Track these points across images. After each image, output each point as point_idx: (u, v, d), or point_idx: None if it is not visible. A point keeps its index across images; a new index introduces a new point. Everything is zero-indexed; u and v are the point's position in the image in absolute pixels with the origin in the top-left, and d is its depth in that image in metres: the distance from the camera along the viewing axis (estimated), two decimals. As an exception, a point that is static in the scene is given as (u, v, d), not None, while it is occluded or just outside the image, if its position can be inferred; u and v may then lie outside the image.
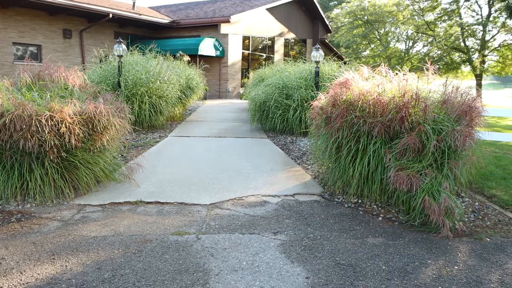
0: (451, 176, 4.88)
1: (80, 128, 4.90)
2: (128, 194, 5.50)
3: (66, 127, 4.71)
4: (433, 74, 5.65)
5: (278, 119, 8.96)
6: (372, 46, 45.31)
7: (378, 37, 43.19)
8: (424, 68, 5.73)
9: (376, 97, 5.18)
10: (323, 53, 8.91)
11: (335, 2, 49.28)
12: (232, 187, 5.93)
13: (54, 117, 4.66)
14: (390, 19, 39.67)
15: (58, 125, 4.69)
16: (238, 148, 8.18)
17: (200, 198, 5.50)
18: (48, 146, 4.69)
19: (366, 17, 40.73)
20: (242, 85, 22.29)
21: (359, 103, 5.27)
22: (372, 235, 4.53)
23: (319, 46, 8.91)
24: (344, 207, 5.38)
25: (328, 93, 5.80)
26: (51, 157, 4.80)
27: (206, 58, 19.01)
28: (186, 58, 13.50)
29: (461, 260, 3.95)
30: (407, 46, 42.39)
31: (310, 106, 6.11)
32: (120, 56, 8.93)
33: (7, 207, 4.96)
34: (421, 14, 37.09)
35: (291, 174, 6.57)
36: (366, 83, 5.53)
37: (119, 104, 5.68)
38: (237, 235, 4.38)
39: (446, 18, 35.67)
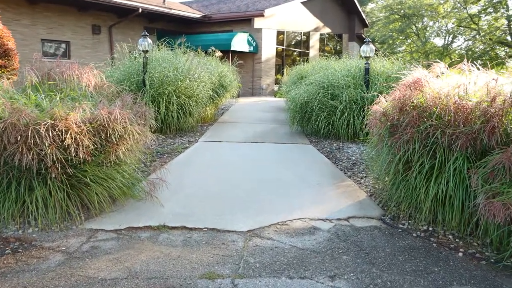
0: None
1: (90, 139, 4.01)
2: (149, 216, 4.59)
3: (72, 138, 3.82)
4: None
5: (322, 122, 7.89)
6: (409, 41, 43.67)
7: (415, 31, 41.50)
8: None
9: (458, 101, 4.09)
10: (374, 48, 7.80)
11: (370, -4, 47.81)
12: (273, 207, 4.94)
13: (57, 126, 3.77)
14: (430, 12, 37.85)
15: (62, 135, 3.80)
16: (277, 156, 7.18)
17: (236, 222, 4.54)
18: (50, 161, 3.81)
19: (403, 11, 39.08)
20: (277, 82, 21.28)
21: (435, 109, 4.19)
22: (457, 281, 3.47)
23: (369, 40, 7.81)
24: (412, 237, 4.31)
25: (391, 95, 4.74)
26: (54, 174, 3.93)
27: (239, 54, 18.07)
28: (218, 54, 12.58)
29: None
30: (446, 41, 40.48)
31: (367, 110, 5.07)
32: (145, 52, 8.04)
33: (5, 232, 4.12)
34: (464, 6, 35.17)
35: (341, 190, 5.54)
36: (442, 83, 4.43)
37: (139, 107, 4.77)
38: (284, 279, 3.39)
39: (491, 10, 33.63)
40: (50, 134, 3.72)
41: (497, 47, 33.70)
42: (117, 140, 4.24)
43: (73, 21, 16.92)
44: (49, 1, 15.65)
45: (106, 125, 4.09)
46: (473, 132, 3.96)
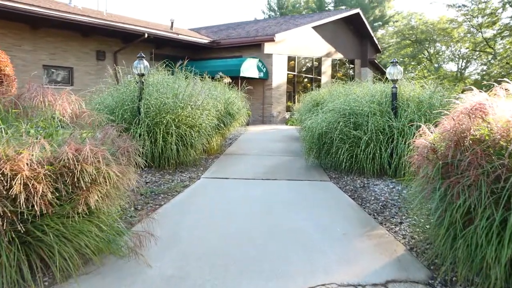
0: None
1: (51, 185, 3.04)
2: (131, 281, 3.55)
3: (23, 185, 2.85)
4: None
5: (344, 155, 6.84)
6: (420, 67, 43.14)
7: (427, 57, 40.88)
8: None
9: (538, 133, 3.07)
10: (401, 69, 6.83)
11: (380, 23, 47.80)
12: (289, 268, 3.88)
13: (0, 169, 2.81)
14: (443, 37, 37.16)
15: (8, 182, 2.83)
16: (292, 196, 6.12)
17: (241, 290, 3.49)
18: (-8, 217, 2.83)
19: (414, 36, 38.54)
20: (288, 109, 20.39)
21: (508, 144, 3.17)
22: None
23: (396, 60, 6.85)
24: (476, 313, 3.23)
25: (439, 125, 3.74)
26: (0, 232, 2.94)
27: (248, 80, 17.28)
28: (227, 79, 11.75)
29: None
30: (460, 66, 39.73)
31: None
32: (141, 75, 7.14)
33: None
34: (479, 30, 34.42)
35: (374, 243, 4.46)
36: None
37: (122, 142, 3.81)
38: None
39: (507, 33, 32.78)
40: (-11, 181, 2.74)
41: (515, 71, 32.70)
42: (88, 185, 3.26)
43: (77, 47, 16.34)
44: (51, 26, 15.10)
45: (72, 166, 3.12)
46: (561, 176, 2.93)
